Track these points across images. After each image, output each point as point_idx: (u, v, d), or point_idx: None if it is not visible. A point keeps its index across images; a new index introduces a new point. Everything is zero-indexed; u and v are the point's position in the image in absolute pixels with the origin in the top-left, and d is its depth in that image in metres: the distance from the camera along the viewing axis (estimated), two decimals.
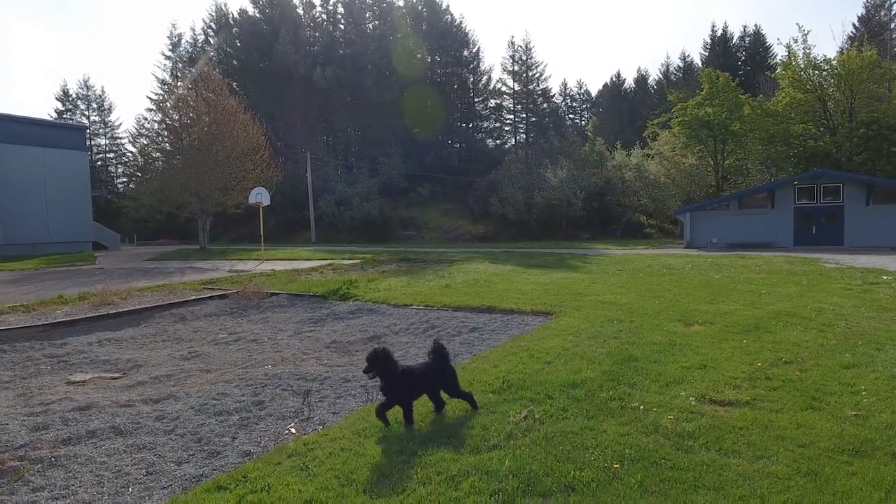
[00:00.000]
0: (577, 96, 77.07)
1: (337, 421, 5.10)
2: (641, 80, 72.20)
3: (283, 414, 5.42)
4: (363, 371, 4.76)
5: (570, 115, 75.99)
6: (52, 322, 10.20)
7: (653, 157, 42.39)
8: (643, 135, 46.92)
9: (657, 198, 39.90)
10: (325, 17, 63.50)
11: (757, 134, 37.99)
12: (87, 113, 60.94)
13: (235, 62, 59.05)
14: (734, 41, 67.88)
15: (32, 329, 9.75)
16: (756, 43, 66.49)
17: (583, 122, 75.13)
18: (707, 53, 67.24)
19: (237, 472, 3.95)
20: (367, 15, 62.25)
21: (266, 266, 20.37)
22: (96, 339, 9.41)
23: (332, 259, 22.46)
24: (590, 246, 30.67)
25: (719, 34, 67.39)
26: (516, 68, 59.19)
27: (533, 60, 59.06)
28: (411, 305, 11.61)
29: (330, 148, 60.17)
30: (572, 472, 3.76)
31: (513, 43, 59.10)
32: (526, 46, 58.65)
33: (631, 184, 41.02)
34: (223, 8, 62.59)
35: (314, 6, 63.07)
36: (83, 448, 4.71)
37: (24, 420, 5.46)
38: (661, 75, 70.70)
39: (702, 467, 3.82)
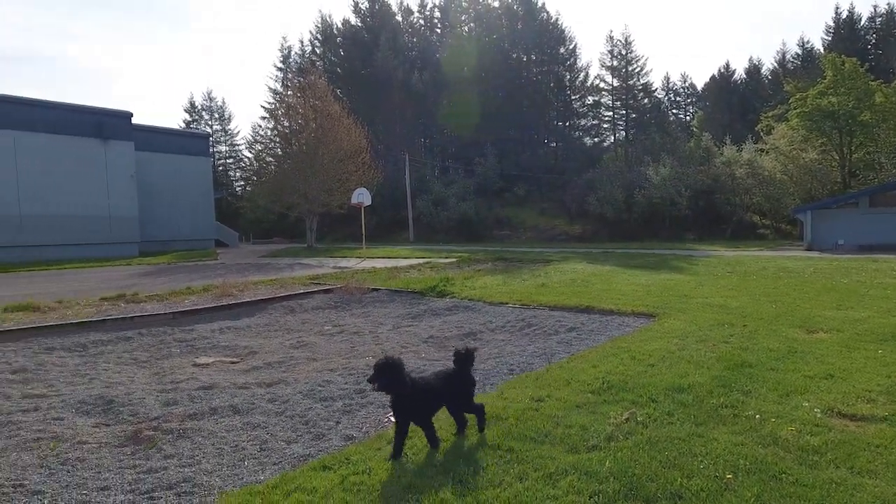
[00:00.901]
0: (681, 90, 73.06)
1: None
2: (753, 69, 67.03)
3: (384, 403, 5.59)
4: (367, 380, 4.17)
5: (674, 111, 72.20)
6: (181, 310, 11.23)
7: (767, 153, 39.15)
8: (756, 129, 43.55)
9: (772, 196, 36.81)
10: (422, 22, 64.98)
11: (891, 124, 33.96)
12: (210, 122, 66.67)
13: (339, 70, 61.89)
14: (862, 23, 61.23)
15: (165, 316, 10.79)
16: (889, 23, 59.51)
17: (687, 118, 71.08)
18: (830, 38, 61.17)
19: (340, 454, 4.14)
20: (463, 18, 62.89)
21: (367, 263, 21.17)
22: (218, 326, 10.24)
23: (429, 257, 22.91)
24: (695, 247, 28.94)
25: (844, 16, 61.11)
26: (615, 63, 57.13)
27: (633, 55, 56.75)
28: (507, 303, 11.57)
29: (427, 149, 61.42)
30: (679, 479, 3.57)
31: (611, 38, 57.04)
32: (625, 41, 56.46)
33: (742, 181, 38.12)
34: (328, 20, 65.97)
35: (412, 12, 64.76)
36: (206, 423, 5.15)
37: (157, 395, 6.06)
38: (775, 64, 65.30)
39: (830, 486, 3.48)
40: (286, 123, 36.02)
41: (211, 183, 38.02)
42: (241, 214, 49.98)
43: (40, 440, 4.80)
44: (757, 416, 4.62)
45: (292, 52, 66.14)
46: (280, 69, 64.54)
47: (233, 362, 7.87)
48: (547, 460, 3.87)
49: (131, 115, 30.78)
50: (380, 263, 20.86)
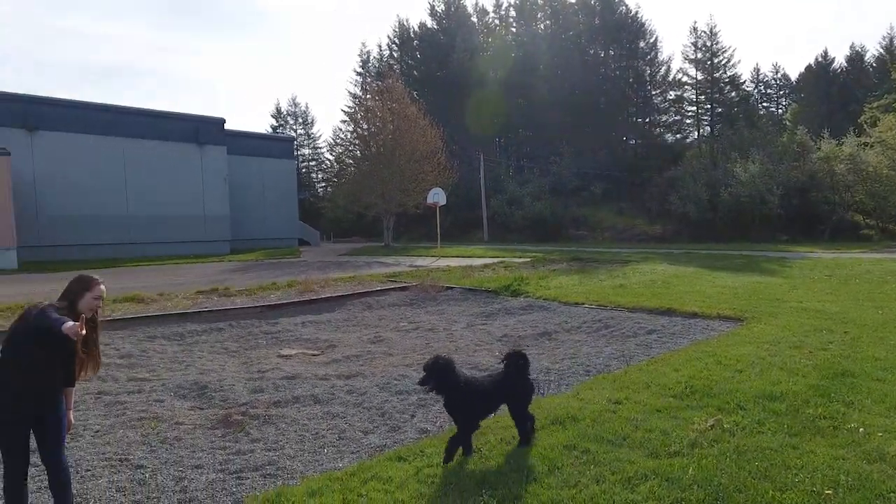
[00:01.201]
0: (773, 81, 68.28)
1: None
2: (855, 57, 61.50)
3: None
4: (418, 383, 4.04)
5: (764, 103, 67.64)
6: (267, 305, 11.83)
7: (871, 147, 35.78)
8: (858, 121, 39.97)
9: (877, 194, 33.64)
10: (497, 21, 64.77)
11: None
12: (294, 127, 69.66)
13: (416, 73, 62.87)
14: None
15: (253, 310, 11.41)
16: None
17: (780, 111, 66.43)
18: None
19: (416, 446, 4.21)
20: (539, 15, 62.06)
21: (442, 262, 21.38)
22: (301, 320, 10.71)
23: (503, 257, 22.83)
24: (789, 248, 27.03)
25: None
26: (699, 56, 54.28)
27: (719, 46, 53.64)
28: (583, 304, 11.33)
29: (502, 149, 61.13)
30: (771, 491, 3.36)
31: (695, 29, 54.18)
32: (710, 31, 53.49)
33: (842, 178, 35.06)
34: (405, 24, 67.13)
35: (487, 13, 64.66)
36: (289, 411, 5.40)
37: (245, 383, 6.42)
38: (881, 50, 59.60)
39: None
40: (365, 126, 37.07)
41: (295, 184, 39.76)
42: (323, 214, 51.95)
43: (143, 420, 5.22)
44: (860, 429, 4.26)
45: (371, 58, 67.94)
46: (359, 74, 66.44)
47: (314, 355, 8.20)
48: (625, 464, 3.76)
49: (224, 121, 32.81)
50: (454, 262, 21.01)
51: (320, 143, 69.43)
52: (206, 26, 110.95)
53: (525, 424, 4.14)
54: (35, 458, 3.29)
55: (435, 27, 64.51)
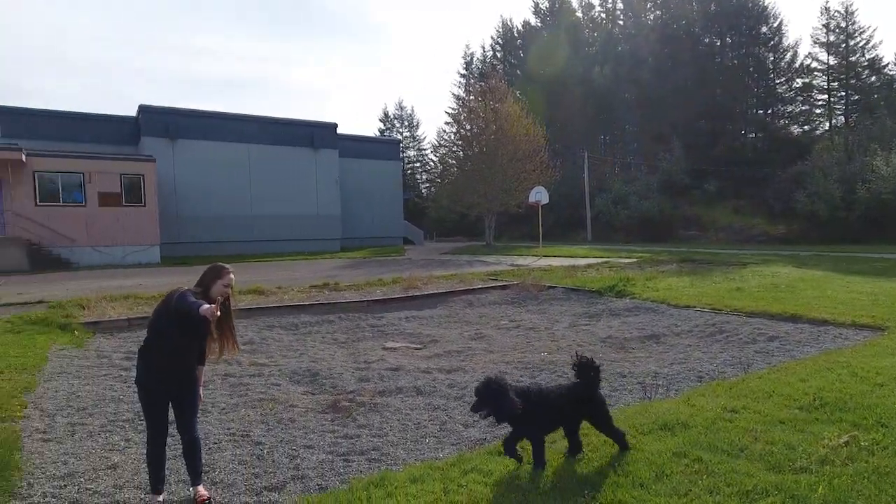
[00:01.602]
0: None
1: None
2: None
3: None
4: (471, 409, 3.68)
5: None
6: (373, 299, 12.32)
7: None
8: None
9: None
10: (603, 15, 62.67)
11: None
12: (400, 129, 71.95)
13: (519, 72, 62.50)
14: None
15: (360, 304, 11.94)
16: None
17: None
18: None
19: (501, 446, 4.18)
20: (648, 6, 59.19)
21: (543, 262, 21.10)
22: (404, 315, 11.04)
23: (607, 257, 22.08)
24: None
25: None
26: (832, 38, 48.93)
27: (855, 26, 48.01)
28: (694, 307, 10.69)
29: (607, 146, 59.12)
30: None
31: (827, 9, 48.84)
32: (845, 11, 48.03)
33: None
34: (508, 24, 67.03)
35: (593, 6, 62.75)
36: (393, 400, 5.59)
37: (353, 372, 6.74)
38: None
39: None
40: (468, 127, 37.45)
41: (401, 185, 41.04)
42: (426, 214, 53.21)
43: (262, 401, 5.65)
44: None
45: (474, 59, 68.56)
46: (463, 76, 67.27)
47: (417, 348, 8.42)
48: (743, 476, 3.50)
49: (336, 125, 34.59)
50: (556, 262, 20.65)
51: (425, 144, 71.02)
52: (319, 37, 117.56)
53: (618, 436, 3.90)
54: (172, 429, 3.66)
55: (539, 25, 63.76)
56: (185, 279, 3.65)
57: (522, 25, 65.39)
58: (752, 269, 16.49)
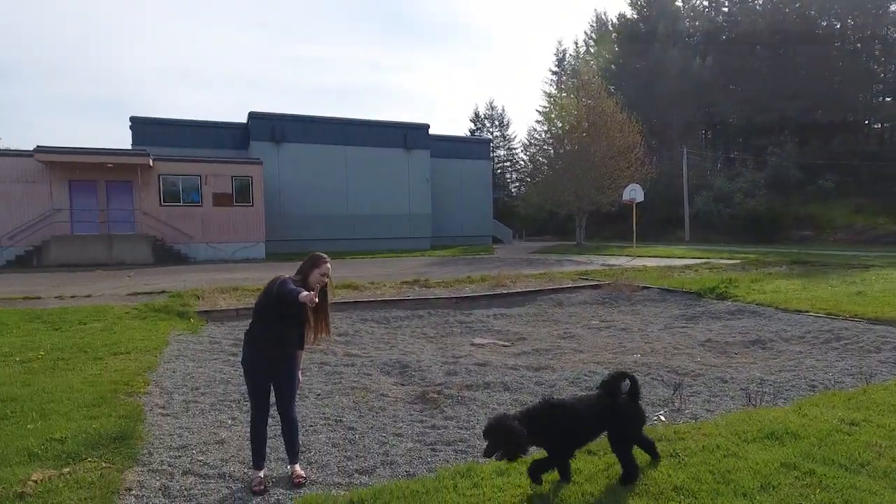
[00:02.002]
0: None
1: (711, 418, 4.73)
2: None
3: (652, 401, 5.32)
4: (483, 455, 3.38)
5: None
6: (462, 296, 12.44)
7: None
8: None
9: None
10: (705, 4, 59.13)
11: None
12: (491, 129, 71.97)
13: (613, 66, 60.45)
14: None
15: (449, 301, 12.10)
16: None
17: None
18: None
19: (605, 442, 4.06)
20: None
21: (637, 262, 20.29)
22: (492, 313, 11.05)
23: (707, 258, 20.85)
24: None
25: None
26: None
27: None
28: (807, 312, 9.84)
29: (708, 142, 55.75)
30: None
31: None
32: None
33: None
34: (602, 18, 65.03)
35: None
36: (480, 394, 5.61)
37: (441, 366, 6.84)
38: None
39: None
40: (559, 125, 36.78)
41: (490, 184, 41.07)
42: (516, 213, 52.85)
43: (355, 389, 5.88)
44: None
45: (567, 55, 67.20)
46: (554, 73, 66.16)
47: (504, 345, 8.40)
48: (864, 493, 3.18)
49: (428, 126, 35.24)
50: (651, 262, 19.78)
51: (515, 143, 70.57)
52: (414, 42, 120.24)
53: (625, 457, 3.43)
54: (273, 410, 3.90)
55: (635, 17, 61.35)
56: (287, 273, 3.87)
57: (618, 18, 63.22)
58: (877, 273, 14.92)
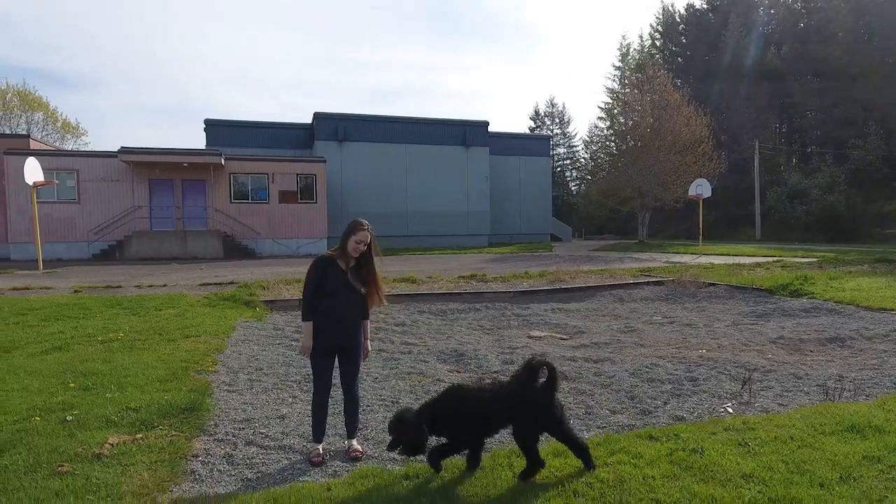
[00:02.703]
0: None
1: (783, 411, 4.47)
2: None
3: (718, 393, 5.09)
4: (387, 448, 3.49)
5: None
6: (519, 290, 12.33)
7: None
8: None
9: None
10: None
11: None
12: (551, 127, 70.99)
13: (680, 59, 58.30)
14: None
15: (506, 294, 12.02)
16: None
17: None
18: None
19: (668, 429, 3.92)
20: None
21: (703, 260, 19.47)
22: (550, 307, 10.88)
23: (780, 255, 19.75)
24: None
25: None
26: None
27: None
28: (891, 310, 9.14)
29: (782, 136, 52.80)
30: None
31: None
32: None
33: None
34: (669, 10, 62.75)
35: None
36: None
37: (497, 355, 6.80)
38: None
39: None
40: (622, 121, 35.84)
41: (550, 181, 40.52)
42: (575, 212, 51.95)
43: (411, 374, 5.93)
44: None
45: (631, 50, 65.36)
46: (618, 68, 64.47)
47: (562, 338, 8.25)
48: None
49: (487, 123, 35.16)
50: (718, 260, 18.94)
51: (575, 141, 69.35)
52: (469, 42, 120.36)
53: (527, 450, 3.25)
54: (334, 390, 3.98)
55: (704, 7, 58.97)
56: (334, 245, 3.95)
57: (686, 9, 60.93)
58: None
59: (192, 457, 3.68)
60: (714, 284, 12.62)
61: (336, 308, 3.73)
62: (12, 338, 7.57)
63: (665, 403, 4.79)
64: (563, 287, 12.79)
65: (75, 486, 3.17)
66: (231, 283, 13.47)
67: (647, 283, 13.26)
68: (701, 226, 26.26)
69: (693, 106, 32.10)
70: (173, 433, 4.01)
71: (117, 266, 20.24)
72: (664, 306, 11.01)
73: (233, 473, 3.51)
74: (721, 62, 50.56)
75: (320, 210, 27.57)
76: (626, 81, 46.39)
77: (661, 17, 63.54)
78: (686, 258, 20.66)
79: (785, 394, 5.10)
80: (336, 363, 3.88)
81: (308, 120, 33.75)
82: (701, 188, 24.68)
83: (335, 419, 4.30)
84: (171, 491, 3.21)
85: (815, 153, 44.87)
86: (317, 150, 31.03)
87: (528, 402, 3.26)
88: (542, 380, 3.33)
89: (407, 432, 3.27)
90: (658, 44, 63.54)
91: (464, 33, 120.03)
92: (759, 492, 2.91)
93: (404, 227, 32.49)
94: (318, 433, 3.84)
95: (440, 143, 33.51)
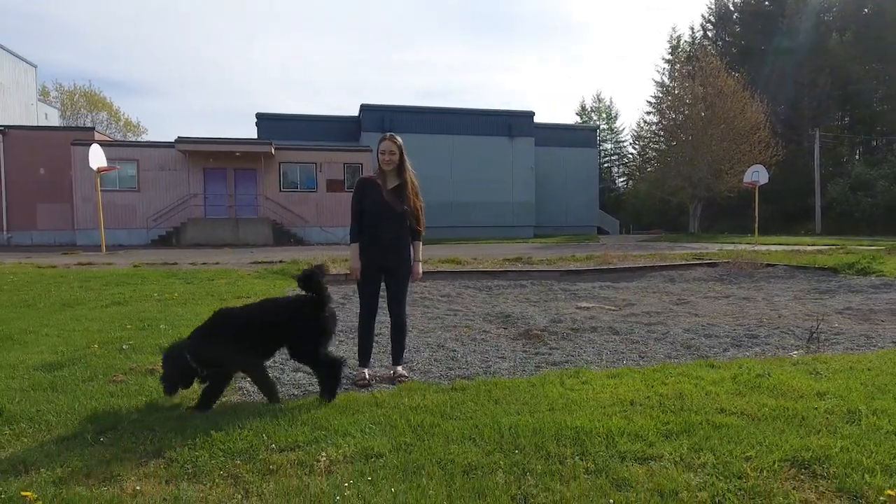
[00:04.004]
0: None
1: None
2: None
3: (782, 346, 4.82)
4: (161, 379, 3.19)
5: None
6: (566, 270, 12.10)
7: None
8: None
9: None
10: None
11: None
12: (597, 122, 69.80)
13: (735, 49, 56.22)
14: None
15: (553, 273, 11.81)
16: None
17: None
18: None
19: (730, 362, 3.73)
20: None
21: (760, 248, 18.67)
22: (598, 285, 10.62)
23: (843, 244, 18.72)
24: None
25: None
26: None
27: None
28: None
29: (844, 125, 50.19)
30: None
31: None
32: None
33: None
34: None
35: None
36: (587, 335, 5.38)
37: (545, 317, 6.66)
38: None
39: None
40: (672, 116, 34.78)
41: (597, 172, 39.79)
42: (623, 207, 50.82)
43: (457, 327, 5.87)
44: None
45: (681, 42, 63.45)
46: (668, 61, 62.71)
47: (611, 309, 8.02)
48: None
49: (533, 114, 34.85)
50: (776, 248, 18.12)
51: (623, 136, 67.89)
52: (514, 41, 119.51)
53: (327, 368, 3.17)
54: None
55: None
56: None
57: None
58: None
59: (241, 378, 3.72)
60: (773, 265, 12.06)
61: (375, 228, 3.70)
62: (76, 297, 7.93)
63: (724, 350, 4.57)
64: (611, 267, 12.48)
65: (128, 390, 3.28)
66: (280, 261, 13.77)
67: (700, 265, 12.80)
68: (757, 215, 25.13)
69: (749, 91, 30.85)
70: None
71: (173, 250, 21.02)
72: (718, 286, 10.56)
73: (279, 391, 3.53)
74: (778, 50, 48.49)
75: None
76: (675, 74, 45.05)
77: (713, 6, 61.44)
78: (741, 247, 19.85)
79: (855, 350, 4.78)
80: (385, 286, 3.85)
81: (355, 113, 34.22)
82: (757, 174, 23.60)
83: (379, 351, 4.28)
84: (220, 401, 3.24)
85: (881, 142, 42.45)
86: (363, 142, 31.43)
87: (301, 317, 3.15)
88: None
89: (169, 362, 3.06)
90: (710, 34, 61.45)
91: (507, 32, 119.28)
92: (835, 405, 2.71)
93: (448, 218, 32.54)
94: (364, 357, 3.82)
95: (485, 133, 33.41)
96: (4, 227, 25.75)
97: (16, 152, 25.56)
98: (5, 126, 26.27)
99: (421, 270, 3.98)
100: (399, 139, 3.77)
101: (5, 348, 4.59)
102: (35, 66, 33.97)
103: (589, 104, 70.97)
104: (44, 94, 46.16)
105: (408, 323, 4.00)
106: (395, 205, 3.71)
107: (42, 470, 2.28)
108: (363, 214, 3.71)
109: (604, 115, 69.35)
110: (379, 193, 3.70)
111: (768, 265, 12.09)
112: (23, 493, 2.00)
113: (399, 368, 3.82)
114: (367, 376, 3.74)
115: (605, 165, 65.85)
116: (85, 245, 23.70)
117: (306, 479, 2.17)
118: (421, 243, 3.92)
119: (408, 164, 3.80)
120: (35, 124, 31.50)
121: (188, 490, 2.10)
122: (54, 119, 39.53)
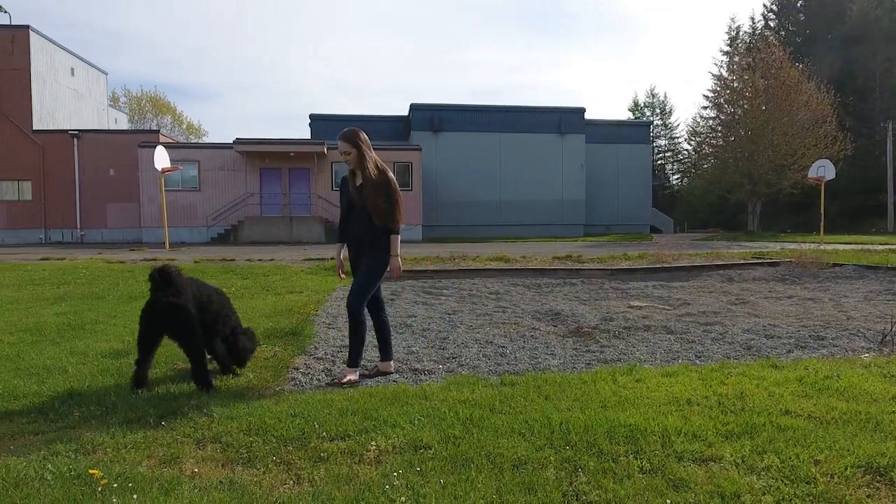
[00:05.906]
0: None
1: None
2: None
3: (851, 348, 4.54)
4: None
5: None
6: (617, 268, 11.83)
7: None
8: None
9: None
10: None
11: None
12: (651, 118, 67.92)
13: (799, 39, 53.54)
14: None
15: (603, 272, 11.57)
16: None
17: None
18: None
19: (794, 362, 3.54)
20: None
21: (826, 247, 17.71)
22: (651, 284, 10.32)
23: None
24: None
25: None
26: None
27: None
28: None
29: None
30: None
31: None
32: None
33: None
34: None
35: None
36: (640, 333, 5.23)
37: (596, 315, 6.52)
38: None
39: None
40: (730, 111, 33.42)
41: (650, 169, 38.63)
42: (678, 205, 49.27)
43: (506, 324, 5.82)
44: None
45: (741, 33, 60.89)
46: (726, 53, 60.33)
47: (665, 308, 7.77)
48: None
49: (584, 110, 34.18)
50: (843, 247, 17.15)
51: (678, 132, 65.85)
52: (562, 39, 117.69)
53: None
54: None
55: None
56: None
57: None
58: None
59: (294, 369, 3.82)
60: (840, 265, 11.42)
61: (347, 225, 3.79)
62: (142, 290, 8.27)
63: (788, 352, 4.34)
64: (664, 266, 12.11)
65: (187, 377, 3.38)
66: (332, 258, 14.06)
67: (760, 264, 12.26)
68: (822, 212, 23.83)
69: (814, 82, 29.30)
70: (277, 349, 4.20)
71: (231, 247, 21.80)
72: (780, 286, 10.08)
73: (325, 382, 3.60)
74: (846, 39, 45.85)
75: (415, 197, 28.10)
76: (734, 67, 43.32)
77: None
78: (805, 246, 18.88)
79: None
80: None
81: (405, 113, 34.50)
82: (823, 169, 22.38)
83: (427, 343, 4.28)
84: (273, 389, 3.33)
85: None
86: (413, 140, 31.67)
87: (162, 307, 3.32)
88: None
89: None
90: (772, 24, 58.75)
91: (560, 30, 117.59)
92: None
93: (497, 217, 32.40)
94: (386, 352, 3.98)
95: (534, 130, 33.04)
96: (78, 225, 27.38)
97: (88, 155, 27.12)
98: (79, 130, 27.91)
99: (400, 265, 3.81)
100: (352, 135, 3.61)
101: (77, 336, 4.88)
102: (106, 74, 35.90)
103: (642, 99, 69.16)
104: (114, 100, 48.86)
105: (370, 321, 3.92)
106: (358, 202, 3.69)
107: (108, 450, 2.40)
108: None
109: (657, 111, 67.46)
110: (348, 191, 3.74)
111: (835, 265, 11.46)
112: (90, 471, 2.11)
113: (346, 368, 3.70)
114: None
115: (659, 162, 64.01)
116: (150, 242, 24.88)
117: (356, 467, 2.20)
118: (399, 237, 3.75)
119: (369, 160, 3.62)
120: (105, 128, 33.29)
121: (243, 474, 2.17)
122: (123, 123, 41.71)
